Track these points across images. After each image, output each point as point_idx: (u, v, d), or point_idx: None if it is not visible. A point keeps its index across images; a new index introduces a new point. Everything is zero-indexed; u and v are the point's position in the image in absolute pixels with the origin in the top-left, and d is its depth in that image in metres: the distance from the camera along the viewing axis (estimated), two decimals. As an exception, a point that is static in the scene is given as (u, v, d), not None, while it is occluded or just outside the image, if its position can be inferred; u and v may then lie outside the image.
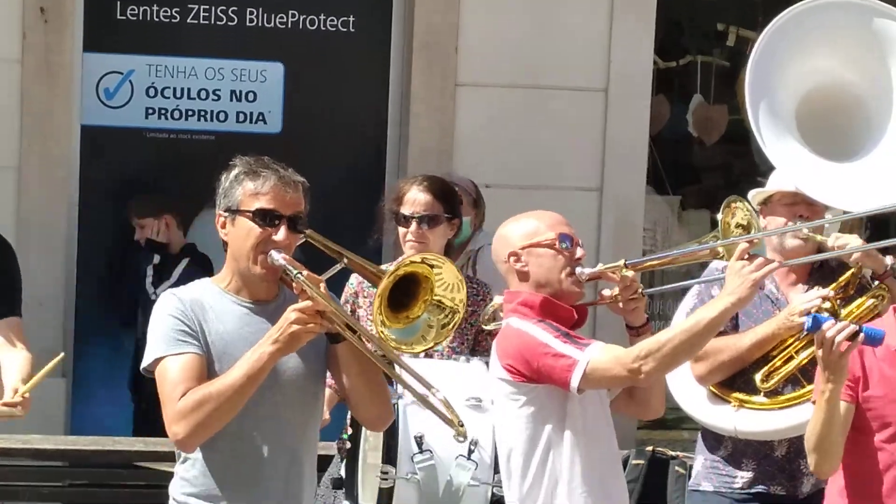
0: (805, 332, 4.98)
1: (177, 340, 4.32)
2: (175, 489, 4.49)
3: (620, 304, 4.74)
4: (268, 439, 4.46)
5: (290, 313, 4.19)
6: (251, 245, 4.33)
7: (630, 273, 4.72)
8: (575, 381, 4.42)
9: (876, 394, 4.86)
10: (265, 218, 4.34)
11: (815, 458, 4.85)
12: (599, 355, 4.45)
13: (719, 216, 4.79)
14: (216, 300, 4.45)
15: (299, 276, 4.23)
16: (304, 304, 4.21)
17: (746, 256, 4.60)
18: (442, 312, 4.41)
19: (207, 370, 4.32)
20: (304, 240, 4.67)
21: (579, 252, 4.68)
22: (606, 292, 4.77)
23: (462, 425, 4.26)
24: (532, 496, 4.66)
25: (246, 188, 4.37)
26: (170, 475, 6.15)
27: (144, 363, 4.38)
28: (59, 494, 6.45)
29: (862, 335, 4.63)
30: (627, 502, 5.03)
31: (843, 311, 5.50)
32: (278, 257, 4.27)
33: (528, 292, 4.70)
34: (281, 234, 4.31)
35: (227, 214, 4.40)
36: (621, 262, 4.76)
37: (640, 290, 4.80)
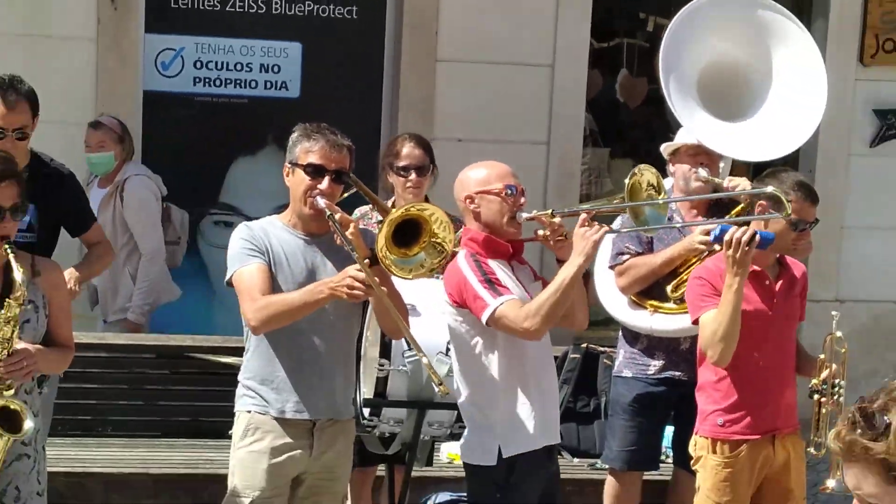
0: (713, 240, 4.99)
1: (246, 256, 4.49)
2: (241, 375, 4.66)
3: (550, 242, 4.73)
4: (312, 340, 4.56)
5: (348, 278, 4.29)
6: (302, 191, 4.50)
7: (557, 219, 4.70)
8: (484, 319, 4.51)
9: (743, 308, 4.89)
10: (313, 171, 4.47)
11: (720, 347, 4.87)
12: (505, 309, 4.51)
13: (626, 181, 4.82)
14: (278, 231, 4.60)
15: (332, 217, 4.36)
16: (362, 275, 4.28)
17: (587, 224, 4.59)
18: (438, 256, 4.43)
19: (271, 276, 4.47)
20: (353, 190, 4.70)
21: (521, 200, 4.71)
22: (540, 232, 4.76)
23: (441, 383, 4.34)
24: (473, 388, 4.76)
25: (302, 146, 4.52)
26: (212, 363, 6.22)
27: (226, 278, 4.58)
28: (125, 379, 6.45)
29: (758, 237, 4.72)
30: (556, 396, 5.08)
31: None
32: (321, 202, 4.41)
33: (475, 230, 4.74)
34: (324, 183, 4.45)
35: (289, 166, 4.56)
36: (550, 211, 4.77)
37: (564, 233, 4.78)
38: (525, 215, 4.71)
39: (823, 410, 5.11)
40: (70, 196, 5.66)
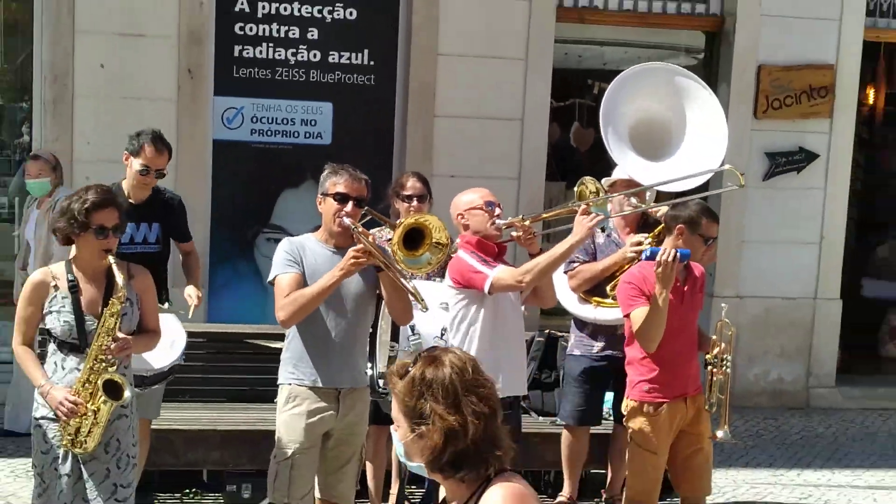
0: (644, 258, 4.97)
1: (286, 265, 4.45)
2: (283, 355, 4.62)
3: (523, 240, 4.83)
4: (336, 327, 4.53)
5: (350, 252, 4.31)
6: (332, 213, 4.45)
7: (527, 222, 4.84)
8: (486, 287, 4.62)
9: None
10: (340, 198, 4.45)
11: (651, 339, 4.92)
12: (500, 272, 4.63)
13: (575, 189, 4.95)
14: (313, 245, 4.54)
15: (356, 229, 4.36)
16: (358, 246, 4.31)
17: (587, 214, 4.75)
18: (440, 253, 4.44)
19: (303, 283, 4.41)
20: (368, 218, 4.67)
21: (497, 211, 4.82)
22: (514, 234, 4.86)
23: (423, 300, 4.37)
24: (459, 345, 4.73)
25: (331, 180, 4.48)
26: (265, 348, 6.18)
27: (269, 279, 4.54)
28: (199, 357, 6.40)
29: (679, 254, 4.74)
30: (524, 360, 5.12)
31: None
32: (347, 220, 4.40)
33: (469, 236, 4.84)
34: (348, 207, 4.43)
35: (321, 196, 4.51)
36: (521, 216, 4.93)
37: (533, 233, 4.90)
38: (501, 222, 4.85)
39: (714, 378, 5.15)
40: (180, 216, 5.89)
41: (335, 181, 4.48)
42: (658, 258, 4.75)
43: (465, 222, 4.86)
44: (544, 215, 4.93)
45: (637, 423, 5.07)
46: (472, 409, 2.47)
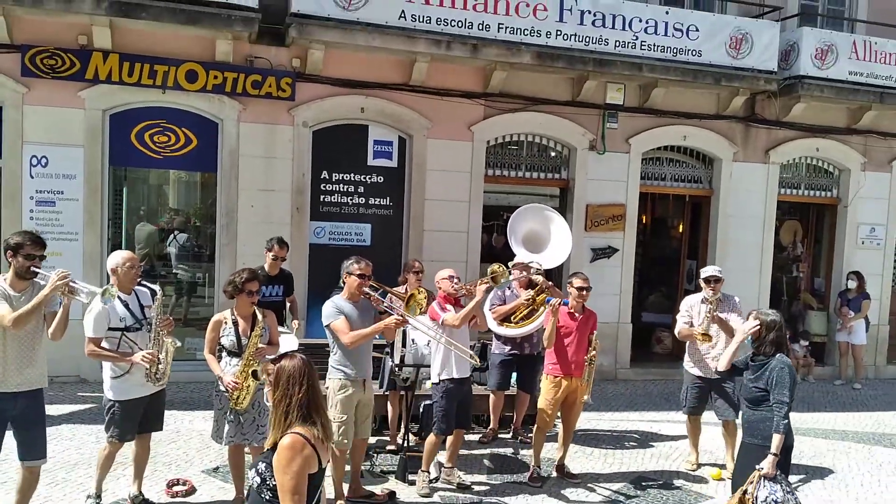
0: (546, 305, 4.82)
1: (336, 315, 4.25)
2: (330, 361, 4.34)
3: (466, 294, 4.71)
4: (364, 350, 4.28)
5: (391, 320, 4.07)
6: (356, 285, 4.20)
7: (467, 286, 4.69)
8: (440, 321, 4.41)
9: (560, 324, 4.83)
10: (359, 275, 4.23)
11: (548, 343, 4.80)
12: (447, 317, 4.43)
13: (489, 269, 4.77)
14: (342, 302, 4.27)
15: (372, 293, 4.18)
16: (391, 321, 4.04)
17: (483, 284, 4.53)
18: (420, 306, 4.28)
19: (347, 322, 4.21)
20: (371, 284, 4.40)
21: (455, 280, 4.65)
22: (462, 292, 4.67)
23: (474, 358, 4.27)
24: (434, 354, 4.61)
25: (354, 266, 4.24)
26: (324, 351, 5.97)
27: (325, 324, 4.22)
28: (302, 353, 6.26)
29: (562, 301, 4.67)
30: (468, 356, 4.74)
31: (538, 297, 5.55)
32: (365, 288, 4.20)
33: (441, 293, 4.65)
34: (365, 281, 4.21)
35: (345, 275, 4.27)
36: (464, 284, 4.78)
37: (469, 290, 4.76)
38: (458, 285, 4.74)
39: (588, 368, 5.10)
40: (290, 282, 5.83)
41: (356, 266, 4.31)
42: (551, 303, 4.80)
43: (440, 286, 4.83)
44: (475, 280, 4.88)
45: (546, 385, 5.04)
46: None
